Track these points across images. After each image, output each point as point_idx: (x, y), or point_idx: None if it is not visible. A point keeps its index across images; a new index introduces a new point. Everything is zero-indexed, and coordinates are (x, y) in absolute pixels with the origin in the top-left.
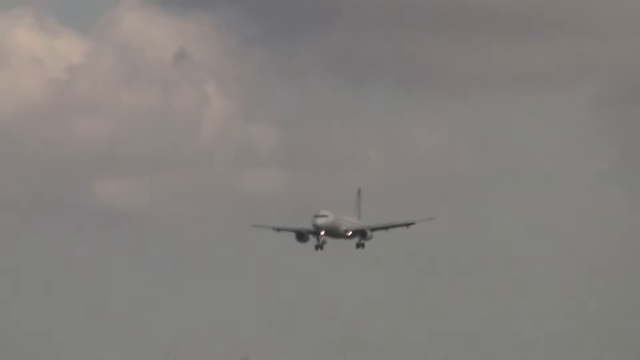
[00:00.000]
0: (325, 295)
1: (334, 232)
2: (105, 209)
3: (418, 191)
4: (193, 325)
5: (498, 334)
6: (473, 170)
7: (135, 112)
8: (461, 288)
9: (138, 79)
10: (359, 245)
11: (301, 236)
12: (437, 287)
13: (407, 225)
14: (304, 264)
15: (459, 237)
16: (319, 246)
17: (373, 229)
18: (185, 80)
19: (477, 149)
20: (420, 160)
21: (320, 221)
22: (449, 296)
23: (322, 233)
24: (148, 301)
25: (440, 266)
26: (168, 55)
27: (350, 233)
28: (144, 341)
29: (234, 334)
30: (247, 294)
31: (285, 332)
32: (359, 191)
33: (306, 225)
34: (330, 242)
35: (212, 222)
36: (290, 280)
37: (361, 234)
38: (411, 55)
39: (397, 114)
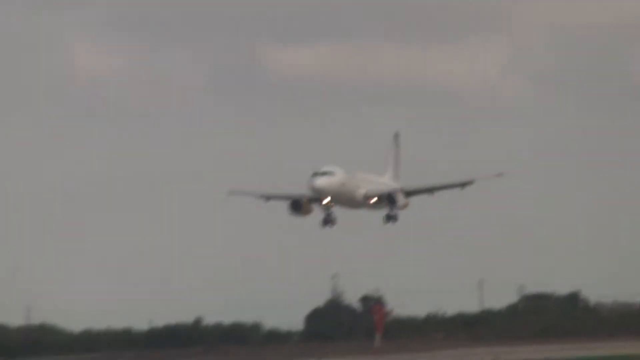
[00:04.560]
0: None
1: (347, 199)
2: None
3: None
4: None
5: None
6: None
7: None
8: None
9: None
10: (389, 218)
11: (298, 206)
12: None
13: (462, 185)
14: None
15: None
16: (329, 220)
17: (410, 193)
18: None
19: None
20: None
21: (320, 182)
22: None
23: (327, 200)
24: None
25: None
26: None
27: (374, 199)
28: None
29: None
30: None
31: None
32: (396, 136)
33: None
34: (346, 214)
35: None
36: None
37: (389, 200)
38: None
39: None
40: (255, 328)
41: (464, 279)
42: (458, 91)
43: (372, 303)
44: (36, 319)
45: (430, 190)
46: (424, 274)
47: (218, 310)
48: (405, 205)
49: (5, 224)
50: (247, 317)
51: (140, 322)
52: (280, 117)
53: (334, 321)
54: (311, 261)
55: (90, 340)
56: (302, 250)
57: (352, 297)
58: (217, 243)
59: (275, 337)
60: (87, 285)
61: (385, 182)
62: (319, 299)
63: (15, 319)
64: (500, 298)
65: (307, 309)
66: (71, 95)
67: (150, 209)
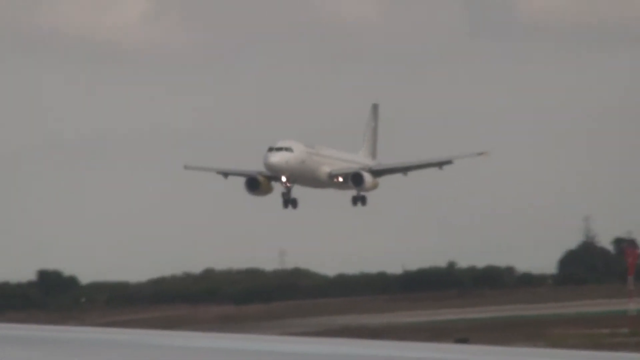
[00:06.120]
0: None
1: (309, 178)
2: None
3: None
4: None
5: None
6: None
7: None
8: None
9: None
10: (357, 200)
11: (254, 184)
12: None
13: (440, 165)
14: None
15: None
16: (288, 201)
17: (379, 172)
18: None
19: None
20: None
21: (275, 159)
22: None
23: (284, 179)
24: None
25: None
26: None
27: (340, 179)
28: None
29: None
30: None
31: None
32: (374, 108)
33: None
34: (313, 193)
35: None
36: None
37: (354, 180)
38: None
39: None
40: (508, 271)
41: None
42: None
43: (625, 245)
44: (290, 263)
45: (403, 169)
46: None
47: (472, 254)
48: (373, 187)
49: None
50: (500, 260)
51: (394, 266)
52: (530, 60)
53: (587, 264)
54: (563, 203)
55: (344, 284)
56: (553, 192)
57: (605, 240)
58: (471, 186)
59: (529, 280)
60: (339, 231)
61: (356, 159)
62: (572, 242)
63: (269, 263)
64: None
65: (560, 252)
66: (321, 40)
67: None
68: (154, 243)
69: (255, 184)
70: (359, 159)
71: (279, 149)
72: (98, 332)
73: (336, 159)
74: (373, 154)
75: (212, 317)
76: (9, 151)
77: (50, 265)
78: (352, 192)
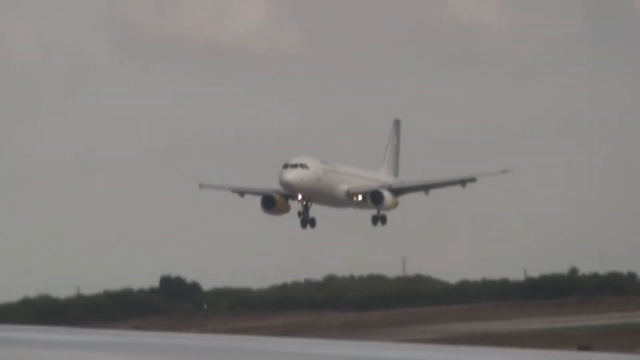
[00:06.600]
0: None
1: (326, 196)
2: None
3: None
4: None
5: None
6: None
7: None
8: None
9: None
10: (377, 219)
11: (270, 203)
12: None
13: (463, 182)
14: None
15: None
16: (306, 220)
17: (400, 190)
18: None
19: None
20: None
21: (289, 177)
22: None
23: (300, 197)
24: None
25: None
26: None
27: (359, 197)
28: None
29: None
30: None
31: None
32: (396, 123)
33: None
34: (331, 213)
35: None
36: None
37: (373, 199)
38: None
39: None
40: (630, 278)
41: None
42: None
43: None
44: (411, 270)
45: (425, 188)
46: None
47: (593, 260)
48: (393, 205)
49: None
50: (622, 267)
51: (516, 272)
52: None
53: None
54: None
55: (466, 291)
56: None
57: None
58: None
59: None
60: (466, 239)
61: (376, 177)
62: None
63: (392, 270)
64: None
65: None
66: (440, 44)
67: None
68: (273, 251)
69: (271, 203)
70: (378, 177)
71: (294, 166)
72: (220, 339)
73: (355, 176)
74: (395, 172)
75: (335, 323)
76: (129, 156)
77: (173, 271)
78: (373, 211)
